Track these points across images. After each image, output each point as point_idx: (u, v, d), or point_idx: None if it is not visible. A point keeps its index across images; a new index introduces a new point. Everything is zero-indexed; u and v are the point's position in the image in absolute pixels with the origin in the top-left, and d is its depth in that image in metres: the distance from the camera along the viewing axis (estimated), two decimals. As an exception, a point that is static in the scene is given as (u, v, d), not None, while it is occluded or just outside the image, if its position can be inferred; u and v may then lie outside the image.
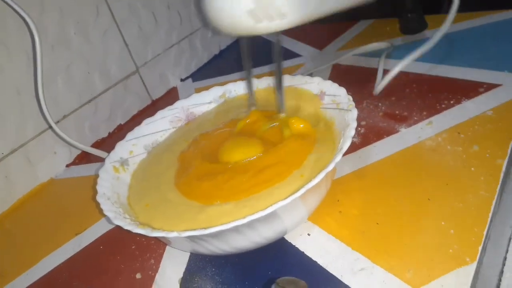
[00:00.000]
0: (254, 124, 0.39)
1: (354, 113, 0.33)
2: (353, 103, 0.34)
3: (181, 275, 0.33)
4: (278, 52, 0.36)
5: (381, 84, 0.45)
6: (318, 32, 0.71)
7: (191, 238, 0.28)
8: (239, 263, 0.33)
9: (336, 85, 0.37)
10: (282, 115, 0.38)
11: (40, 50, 0.43)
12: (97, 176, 0.36)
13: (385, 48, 0.55)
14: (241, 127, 0.39)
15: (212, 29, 0.33)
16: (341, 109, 0.35)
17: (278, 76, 0.37)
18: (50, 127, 0.49)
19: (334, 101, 0.36)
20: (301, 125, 0.37)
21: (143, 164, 0.39)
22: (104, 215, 0.41)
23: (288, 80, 0.42)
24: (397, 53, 0.54)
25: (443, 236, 0.30)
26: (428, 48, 0.43)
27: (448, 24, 0.44)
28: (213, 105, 0.44)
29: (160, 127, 0.42)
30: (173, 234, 0.27)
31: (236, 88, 0.44)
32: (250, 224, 0.27)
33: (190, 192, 0.33)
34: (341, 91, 0.36)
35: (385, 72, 0.51)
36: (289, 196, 0.27)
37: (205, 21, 0.34)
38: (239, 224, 0.26)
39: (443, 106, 0.43)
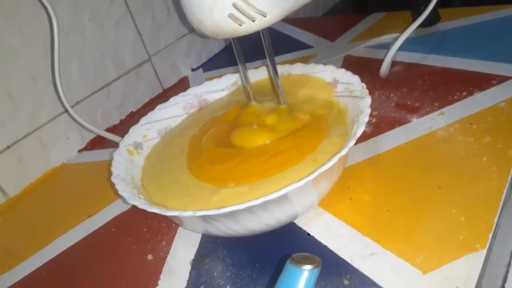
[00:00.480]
0: (253, 116, 0.39)
1: (368, 100, 0.33)
2: (367, 91, 0.34)
3: (192, 257, 0.34)
4: (268, 46, 0.36)
5: (384, 65, 0.46)
6: (330, 24, 0.71)
7: (204, 218, 0.29)
8: (250, 246, 0.33)
9: (349, 73, 0.37)
10: (283, 105, 0.38)
11: (58, 35, 0.44)
12: (111, 159, 0.36)
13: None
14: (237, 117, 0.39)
15: (199, 33, 0.33)
16: (354, 96, 0.35)
17: (273, 69, 0.37)
18: (66, 111, 0.50)
19: (348, 89, 0.37)
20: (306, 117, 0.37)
21: (156, 148, 0.39)
22: (118, 197, 0.43)
23: (301, 69, 0.42)
24: (409, 45, 0.54)
25: (454, 223, 0.30)
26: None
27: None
28: (225, 93, 0.45)
29: (173, 112, 0.43)
30: (188, 213, 0.27)
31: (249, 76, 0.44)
32: (263, 205, 0.28)
33: (203, 175, 0.33)
34: (355, 79, 0.36)
35: (394, 63, 0.51)
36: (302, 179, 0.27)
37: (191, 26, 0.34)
38: (252, 205, 0.27)
39: (455, 97, 0.43)
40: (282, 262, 0.31)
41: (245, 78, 0.40)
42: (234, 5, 0.30)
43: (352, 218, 0.33)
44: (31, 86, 0.48)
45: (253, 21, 0.30)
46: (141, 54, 0.60)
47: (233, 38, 0.37)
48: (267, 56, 0.36)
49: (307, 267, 0.20)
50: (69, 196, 0.47)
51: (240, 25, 0.30)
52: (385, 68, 0.46)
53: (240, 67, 0.39)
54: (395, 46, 0.46)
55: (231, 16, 0.30)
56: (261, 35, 0.35)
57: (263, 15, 0.30)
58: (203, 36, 0.64)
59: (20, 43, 0.46)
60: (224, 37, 0.32)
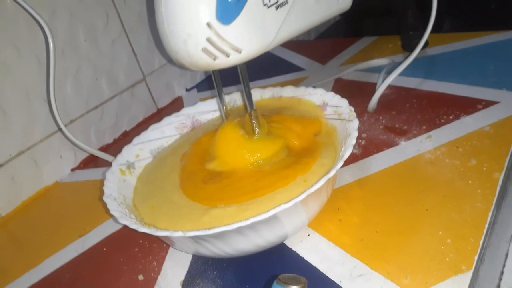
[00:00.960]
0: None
1: (356, 123, 0.34)
2: (355, 114, 0.35)
3: (183, 278, 0.34)
4: (244, 79, 0.35)
5: (372, 101, 0.47)
6: (322, 47, 0.72)
7: (194, 238, 0.29)
8: (240, 266, 0.34)
9: (338, 96, 0.38)
10: (257, 135, 0.37)
11: (54, 52, 0.45)
12: (103, 178, 0.37)
13: (386, 64, 0.57)
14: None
15: (177, 63, 0.33)
16: (343, 119, 0.36)
17: (249, 102, 0.36)
18: (60, 129, 0.50)
19: (336, 111, 0.38)
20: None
21: (148, 167, 0.40)
22: (110, 216, 0.43)
23: (291, 91, 0.43)
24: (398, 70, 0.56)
25: (440, 245, 0.31)
26: (407, 64, 0.47)
27: (423, 41, 0.47)
28: (218, 113, 0.45)
29: (166, 133, 0.43)
30: (178, 234, 0.28)
31: (241, 98, 0.45)
32: (252, 226, 0.28)
33: (194, 195, 0.34)
34: (343, 102, 0.37)
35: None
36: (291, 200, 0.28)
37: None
38: (241, 226, 0.27)
39: (442, 121, 0.44)
40: (271, 282, 0.32)
41: (223, 109, 0.40)
42: (208, 40, 0.29)
43: (341, 239, 0.34)
44: (24, 103, 0.48)
45: (227, 56, 0.30)
46: (136, 74, 0.61)
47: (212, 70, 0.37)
48: (243, 90, 0.36)
49: (293, 287, 0.20)
50: (61, 215, 0.47)
51: (214, 60, 0.30)
52: (373, 104, 0.47)
53: (218, 98, 0.40)
54: (384, 85, 0.47)
55: (205, 50, 0.30)
56: (238, 69, 0.35)
57: (237, 51, 0.30)
58: (181, 67, 0.65)
59: (15, 58, 0.47)
60: (199, 69, 0.32)
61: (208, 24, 0.29)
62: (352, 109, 0.36)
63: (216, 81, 0.39)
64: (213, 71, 0.38)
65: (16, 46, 0.47)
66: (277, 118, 0.39)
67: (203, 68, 0.31)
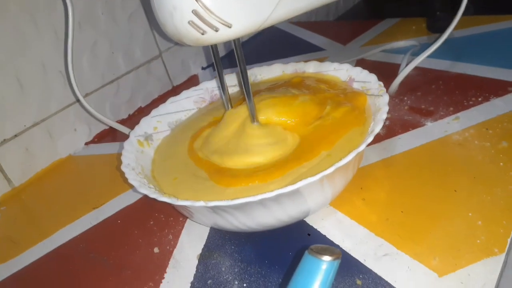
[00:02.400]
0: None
1: (386, 98, 0.32)
2: (384, 89, 0.34)
3: (200, 252, 0.33)
4: (240, 59, 0.33)
5: (394, 84, 0.45)
6: (342, 28, 0.71)
7: (215, 209, 0.28)
8: (260, 242, 0.33)
9: (366, 71, 0.37)
10: (255, 124, 0.35)
11: (72, 23, 0.44)
12: (118, 152, 0.36)
13: (411, 46, 0.55)
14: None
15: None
16: (371, 95, 0.34)
17: (246, 84, 0.33)
18: (78, 100, 0.49)
19: (364, 87, 0.36)
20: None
21: (166, 141, 0.39)
22: (124, 190, 0.42)
23: (315, 67, 0.42)
24: (424, 51, 0.54)
25: (470, 226, 0.30)
26: (438, 46, 0.44)
27: (456, 21, 0.44)
28: (237, 88, 0.44)
29: (184, 106, 0.42)
30: (200, 203, 0.27)
31: (261, 72, 0.44)
32: (276, 199, 0.27)
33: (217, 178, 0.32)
34: (372, 78, 0.36)
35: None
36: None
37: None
38: (265, 197, 0.26)
39: (470, 103, 0.42)
40: (296, 256, 0.31)
41: (222, 87, 0.37)
42: (194, 13, 0.27)
43: (365, 218, 0.32)
44: (41, 75, 0.47)
45: (216, 31, 0.28)
46: (152, 50, 0.59)
47: (211, 46, 0.34)
48: (239, 70, 0.33)
49: (327, 258, 0.19)
50: (75, 188, 0.46)
51: (203, 34, 0.28)
52: (395, 86, 0.45)
53: (218, 76, 0.37)
54: (408, 67, 0.45)
55: (191, 23, 0.28)
56: (233, 46, 0.32)
57: (227, 26, 0.28)
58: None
59: (33, 31, 0.46)
60: (189, 44, 0.30)
61: None
62: (382, 84, 0.34)
63: (215, 58, 0.36)
64: (212, 49, 0.35)
65: (34, 18, 0.46)
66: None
67: (193, 43, 0.29)
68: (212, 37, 0.28)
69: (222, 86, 0.37)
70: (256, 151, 0.32)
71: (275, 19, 0.30)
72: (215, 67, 0.36)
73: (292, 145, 0.33)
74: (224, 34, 0.28)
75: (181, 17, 0.28)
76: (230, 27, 0.28)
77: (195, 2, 0.27)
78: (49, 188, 0.47)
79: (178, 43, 0.62)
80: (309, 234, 0.32)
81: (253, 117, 0.34)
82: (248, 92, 0.33)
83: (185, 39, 0.29)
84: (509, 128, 0.37)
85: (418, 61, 0.45)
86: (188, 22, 0.28)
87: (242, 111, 0.35)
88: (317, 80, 0.40)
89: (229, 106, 0.38)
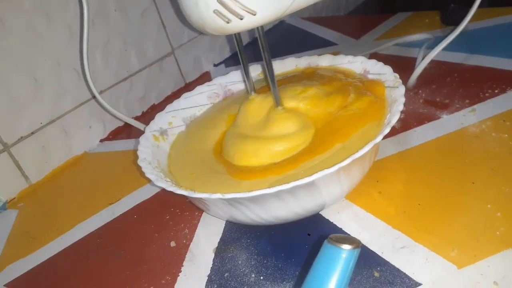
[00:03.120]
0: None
1: (402, 89, 0.32)
2: (400, 80, 0.33)
3: (216, 245, 0.33)
4: (264, 47, 0.33)
5: (412, 77, 0.45)
6: (354, 22, 0.70)
7: (232, 202, 0.28)
8: (275, 235, 0.33)
9: (381, 63, 0.37)
10: (280, 108, 0.35)
11: (87, 19, 0.44)
12: (133, 148, 0.36)
13: (426, 39, 0.54)
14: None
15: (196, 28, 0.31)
16: (387, 87, 0.34)
17: (270, 71, 0.33)
18: (94, 97, 0.50)
19: (379, 79, 0.36)
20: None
21: (182, 136, 0.39)
22: (140, 185, 0.42)
23: (329, 60, 0.42)
24: (437, 44, 0.53)
25: (489, 218, 0.29)
26: (454, 38, 0.43)
27: (472, 13, 0.43)
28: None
29: (198, 101, 0.42)
30: (217, 196, 0.27)
31: (275, 67, 0.44)
32: (292, 191, 0.27)
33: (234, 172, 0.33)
34: (387, 69, 0.35)
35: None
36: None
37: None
38: (282, 189, 0.26)
39: (486, 94, 0.42)
40: (314, 247, 0.31)
41: (247, 77, 0.37)
42: (219, 1, 0.28)
43: (381, 211, 0.32)
44: (55, 72, 0.48)
45: (241, 19, 0.28)
46: (164, 47, 0.60)
47: (234, 35, 0.35)
48: (263, 58, 0.33)
49: (347, 247, 0.19)
50: (91, 184, 0.46)
51: (228, 23, 0.28)
52: (413, 80, 0.45)
53: (242, 64, 0.37)
54: (426, 60, 0.44)
55: (216, 12, 0.28)
56: (257, 34, 0.32)
57: (252, 14, 0.28)
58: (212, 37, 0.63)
59: (46, 27, 0.46)
60: (214, 33, 0.30)
61: None
62: (397, 75, 0.34)
63: (239, 49, 0.36)
64: (236, 38, 0.36)
65: (47, 14, 0.46)
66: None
67: (218, 32, 0.30)
68: (237, 25, 0.29)
69: (247, 74, 0.37)
70: (280, 139, 0.33)
71: (298, 5, 0.30)
72: (239, 55, 0.37)
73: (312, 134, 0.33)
74: (248, 22, 0.29)
75: (206, 6, 0.28)
76: (254, 14, 0.28)
77: None
78: (65, 184, 0.48)
79: (194, 38, 0.62)
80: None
81: (277, 102, 0.34)
82: (272, 77, 0.33)
83: (210, 28, 0.30)
84: (527, 119, 0.37)
85: (434, 53, 0.44)
86: (214, 11, 0.28)
87: (265, 100, 0.36)
88: (332, 71, 0.39)
89: (253, 91, 0.38)
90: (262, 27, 0.31)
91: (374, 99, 0.34)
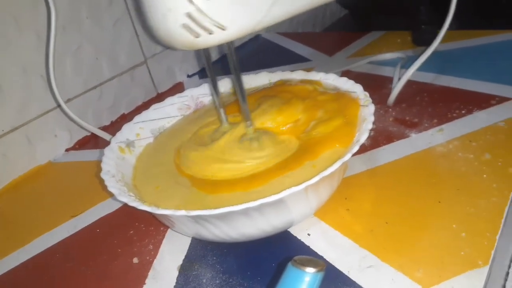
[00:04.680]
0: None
1: (372, 108, 0.32)
2: (370, 99, 0.33)
3: (180, 262, 0.32)
4: (234, 63, 0.32)
5: (391, 97, 0.45)
6: (328, 39, 0.71)
7: (197, 219, 0.27)
8: (242, 253, 0.32)
9: (352, 81, 0.37)
10: (250, 126, 0.35)
11: (55, 25, 0.43)
12: (99, 159, 0.35)
13: (398, 59, 0.55)
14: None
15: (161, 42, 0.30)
16: (357, 99, 0.34)
17: (239, 87, 0.33)
18: (59, 105, 0.48)
19: (357, 97, 0.36)
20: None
21: (149, 148, 0.38)
22: (105, 196, 0.41)
23: (301, 76, 0.42)
24: (408, 63, 0.54)
25: (454, 238, 0.29)
26: (426, 57, 0.44)
27: (442, 34, 0.45)
28: (223, 96, 0.44)
29: (168, 113, 0.41)
30: (181, 213, 0.26)
31: (248, 81, 0.44)
32: (259, 208, 0.27)
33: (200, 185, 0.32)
34: (357, 88, 0.36)
35: (392, 80, 0.51)
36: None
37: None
38: (249, 207, 0.25)
39: (454, 115, 0.42)
40: (279, 267, 0.30)
41: (216, 93, 0.37)
42: (188, 15, 0.26)
43: (349, 229, 0.32)
44: (21, 78, 0.46)
45: (210, 34, 0.27)
46: (137, 56, 0.59)
47: (203, 50, 0.34)
48: (233, 73, 0.33)
49: (310, 270, 0.19)
50: (53, 195, 0.45)
51: (197, 37, 0.27)
52: (394, 97, 0.45)
53: (211, 80, 0.36)
54: (403, 79, 0.45)
55: (185, 26, 0.27)
56: (227, 49, 0.32)
57: (222, 28, 0.27)
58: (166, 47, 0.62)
59: (14, 32, 0.45)
60: (182, 48, 0.29)
61: None
62: (367, 94, 0.34)
63: (207, 62, 0.35)
64: (204, 53, 0.35)
65: (16, 20, 0.45)
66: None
67: (187, 47, 0.29)
68: (206, 40, 0.28)
69: (216, 90, 0.36)
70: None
71: (269, 21, 0.29)
72: (207, 71, 0.36)
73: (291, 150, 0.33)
74: (218, 37, 0.28)
75: (174, 20, 0.27)
76: (224, 29, 0.27)
77: (189, 4, 0.26)
78: (26, 195, 0.46)
79: (166, 48, 0.62)
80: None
81: (247, 117, 0.34)
82: (242, 93, 0.33)
83: (178, 42, 0.28)
84: (492, 140, 0.38)
85: (410, 73, 0.45)
86: (182, 25, 0.27)
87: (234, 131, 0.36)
88: (303, 81, 0.40)
89: (222, 111, 0.37)
90: (232, 42, 0.31)
91: (342, 124, 0.34)
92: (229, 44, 0.31)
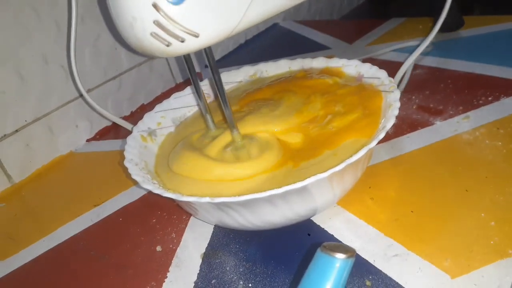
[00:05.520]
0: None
1: (397, 94, 0.31)
2: (395, 85, 0.33)
3: (204, 250, 0.32)
4: (213, 68, 0.31)
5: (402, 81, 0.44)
6: (348, 27, 0.70)
7: (221, 206, 0.27)
8: (265, 241, 0.32)
9: (375, 67, 0.36)
10: (235, 132, 0.34)
11: (76, 17, 0.43)
12: (121, 148, 0.35)
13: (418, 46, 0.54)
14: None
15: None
16: (382, 91, 0.34)
17: (220, 91, 0.32)
18: (81, 95, 0.48)
19: (374, 84, 0.35)
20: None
21: (171, 137, 0.38)
22: (128, 185, 0.41)
23: (323, 63, 0.41)
24: (431, 50, 0.53)
25: (483, 227, 0.29)
26: (428, 43, 0.45)
27: (441, 20, 0.45)
28: (242, 83, 0.43)
29: (188, 102, 0.41)
30: (205, 199, 0.26)
31: (267, 69, 0.43)
32: (284, 196, 0.26)
33: None
34: (382, 74, 0.35)
35: (416, 66, 0.50)
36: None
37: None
38: (273, 194, 0.25)
39: (480, 102, 0.41)
40: (303, 255, 0.30)
41: (199, 98, 0.35)
42: (156, 23, 0.25)
43: (373, 217, 0.32)
44: (42, 69, 0.47)
45: (182, 41, 0.26)
46: (155, 46, 0.58)
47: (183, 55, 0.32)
48: (213, 78, 0.31)
49: (341, 256, 0.18)
50: (76, 185, 0.45)
51: (168, 46, 0.26)
52: (401, 84, 0.44)
53: (194, 87, 0.35)
54: (409, 60, 0.43)
55: (154, 35, 0.25)
56: (204, 54, 0.30)
57: (194, 36, 0.25)
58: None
59: (34, 22, 0.45)
60: (155, 57, 0.28)
61: (154, 5, 0.24)
62: (392, 79, 0.34)
63: (189, 68, 0.34)
64: (185, 58, 0.33)
65: (35, 10, 0.45)
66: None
67: (159, 55, 0.27)
68: (178, 48, 0.26)
69: (199, 95, 0.35)
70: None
71: (245, 25, 0.27)
72: (190, 76, 0.34)
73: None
74: (191, 45, 0.26)
75: (142, 28, 0.25)
76: (197, 36, 0.26)
77: (156, 11, 0.25)
78: (49, 185, 0.46)
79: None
80: (309, 234, 0.31)
81: (232, 126, 0.33)
82: (224, 99, 0.32)
83: (149, 51, 0.27)
84: (520, 127, 0.37)
85: (412, 59, 0.44)
86: (151, 34, 0.26)
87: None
88: (323, 72, 0.39)
89: (209, 117, 0.36)
90: (209, 47, 0.29)
91: (361, 116, 0.33)
92: (206, 49, 0.30)
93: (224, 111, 0.32)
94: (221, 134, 0.34)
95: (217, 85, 0.31)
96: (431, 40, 0.48)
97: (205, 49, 0.29)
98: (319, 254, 0.19)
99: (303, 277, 0.19)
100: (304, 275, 0.19)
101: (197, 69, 0.65)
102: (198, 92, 0.35)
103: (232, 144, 0.33)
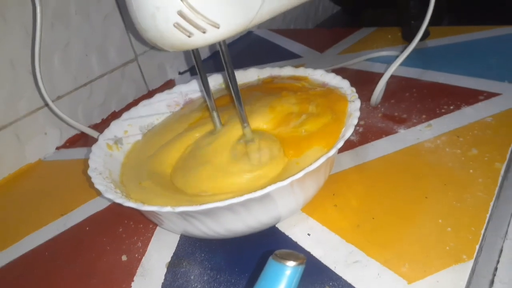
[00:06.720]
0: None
1: (357, 103, 0.32)
2: (356, 95, 0.34)
3: (169, 259, 0.32)
4: (227, 61, 0.31)
5: (374, 94, 0.45)
6: (319, 35, 0.71)
7: (184, 215, 0.27)
8: (230, 250, 0.32)
9: (339, 77, 0.37)
10: (246, 128, 0.34)
11: (40, 22, 0.42)
12: (89, 152, 0.35)
13: (394, 56, 0.55)
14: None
15: (151, 44, 0.29)
16: (347, 95, 0.34)
17: (234, 86, 0.32)
18: (47, 105, 0.48)
19: (345, 94, 0.36)
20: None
21: (137, 145, 0.38)
22: (94, 196, 0.41)
23: (290, 72, 0.42)
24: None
25: (440, 233, 0.30)
26: (408, 53, 0.44)
27: (422, 30, 0.45)
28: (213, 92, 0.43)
29: (157, 110, 0.41)
30: (167, 209, 0.26)
31: (238, 77, 0.43)
32: (245, 204, 0.27)
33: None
34: (344, 83, 0.36)
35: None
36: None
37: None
38: (234, 202, 0.25)
39: (442, 110, 0.43)
40: (263, 262, 0.30)
41: (207, 94, 0.35)
42: (180, 13, 0.25)
43: (336, 224, 0.32)
44: (9, 74, 0.46)
45: (204, 32, 0.26)
46: (127, 53, 0.58)
47: (192, 50, 0.32)
48: (226, 73, 0.32)
49: (291, 263, 0.19)
50: (43, 193, 0.45)
51: (189, 37, 0.26)
52: (376, 96, 0.45)
53: (201, 80, 0.35)
54: (386, 75, 0.44)
55: (177, 25, 0.26)
56: (219, 48, 0.31)
57: (215, 27, 0.26)
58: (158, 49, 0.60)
59: (1, 27, 0.44)
60: (174, 49, 0.28)
61: None
62: (354, 89, 0.35)
63: (197, 63, 0.34)
64: (194, 53, 0.33)
65: (3, 16, 0.44)
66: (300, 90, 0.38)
67: (178, 48, 0.28)
68: (199, 39, 0.27)
69: (206, 90, 0.35)
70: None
71: (262, 17, 0.28)
72: (198, 71, 0.35)
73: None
74: (212, 36, 0.27)
75: (165, 19, 0.26)
76: (218, 27, 0.26)
77: (180, 2, 0.25)
78: (16, 194, 0.45)
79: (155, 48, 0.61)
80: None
81: (244, 120, 0.33)
82: (237, 95, 0.32)
83: (169, 43, 0.27)
84: (479, 136, 0.38)
85: (392, 69, 0.45)
86: (174, 25, 0.26)
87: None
88: (291, 78, 0.40)
89: (215, 110, 0.36)
90: (224, 41, 0.30)
91: (330, 120, 0.34)
92: (222, 43, 0.30)
93: (237, 106, 0.33)
94: (221, 135, 0.35)
95: (231, 80, 0.31)
96: (406, 51, 0.50)
97: (220, 43, 0.30)
98: (271, 262, 0.19)
99: (255, 284, 0.20)
100: (256, 282, 0.20)
101: (171, 77, 0.65)
102: (206, 89, 0.35)
103: (238, 145, 0.34)
